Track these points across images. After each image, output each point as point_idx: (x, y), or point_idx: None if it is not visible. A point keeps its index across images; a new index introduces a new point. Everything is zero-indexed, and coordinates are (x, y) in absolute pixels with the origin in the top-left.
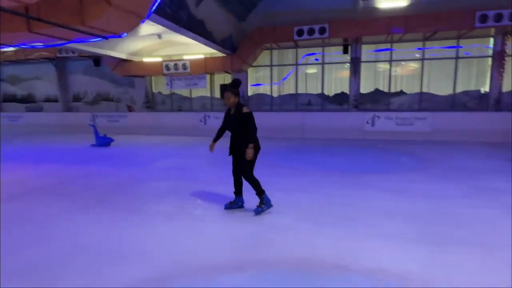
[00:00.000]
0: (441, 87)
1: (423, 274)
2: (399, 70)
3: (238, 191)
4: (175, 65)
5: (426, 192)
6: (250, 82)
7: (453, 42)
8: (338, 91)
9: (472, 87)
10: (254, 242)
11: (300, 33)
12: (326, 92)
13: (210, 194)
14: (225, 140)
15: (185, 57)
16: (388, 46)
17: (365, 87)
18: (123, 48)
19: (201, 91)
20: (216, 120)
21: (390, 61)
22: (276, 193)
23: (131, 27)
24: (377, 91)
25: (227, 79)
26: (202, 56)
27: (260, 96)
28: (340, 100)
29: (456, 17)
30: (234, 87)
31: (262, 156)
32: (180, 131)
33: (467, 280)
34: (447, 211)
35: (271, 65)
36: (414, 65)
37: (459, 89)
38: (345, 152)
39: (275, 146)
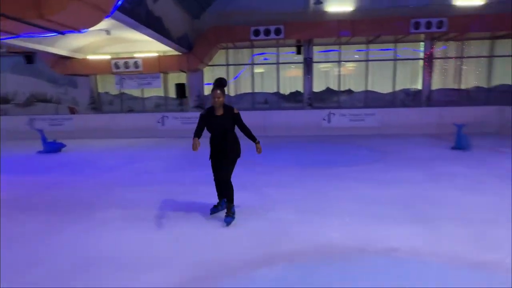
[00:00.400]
0: (382, 86)
1: (427, 247)
2: (346, 70)
3: (222, 193)
4: (126, 63)
5: (394, 179)
6: (206, 81)
7: (391, 46)
8: (293, 90)
9: (408, 86)
10: (270, 237)
11: (256, 33)
12: (281, 91)
13: (194, 196)
14: (180, 142)
15: (137, 55)
16: (337, 47)
17: (318, 86)
18: (65, 44)
19: (154, 91)
20: (175, 120)
21: (339, 61)
22: (267, 189)
23: (94, 22)
24: (328, 89)
25: (182, 78)
26: (155, 54)
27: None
28: (295, 98)
29: (395, 24)
30: (223, 86)
31: (241, 155)
32: (135, 133)
33: (463, 249)
34: (419, 193)
35: (227, 64)
36: (357, 66)
37: (397, 88)
38: (311, 148)
39: (250, 145)
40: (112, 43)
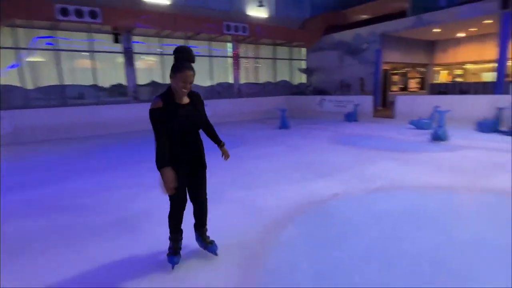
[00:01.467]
0: (203, 80)
1: (346, 189)
2: (167, 64)
3: (180, 227)
4: None
5: (271, 154)
6: None
7: (206, 43)
8: (114, 82)
9: (222, 80)
10: (256, 209)
11: (64, 12)
12: (100, 84)
13: (144, 202)
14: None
15: None
16: (156, 40)
17: (142, 79)
18: None
19: None
20: None
21: (161, 54)
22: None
23: None
24: (153, 82)
25: None
26: None
27: (8, 88)
28: (118, 91)
29: (212, 24)
30: (192, 62)
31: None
32: None
33: (361, 185)
34: (297, 160)
35: (17, 48)
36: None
37: (215, 81)
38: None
39: (107, 144)
40: None
